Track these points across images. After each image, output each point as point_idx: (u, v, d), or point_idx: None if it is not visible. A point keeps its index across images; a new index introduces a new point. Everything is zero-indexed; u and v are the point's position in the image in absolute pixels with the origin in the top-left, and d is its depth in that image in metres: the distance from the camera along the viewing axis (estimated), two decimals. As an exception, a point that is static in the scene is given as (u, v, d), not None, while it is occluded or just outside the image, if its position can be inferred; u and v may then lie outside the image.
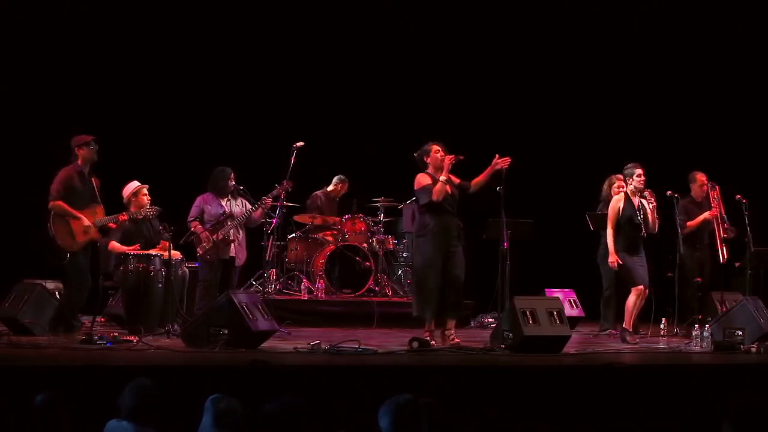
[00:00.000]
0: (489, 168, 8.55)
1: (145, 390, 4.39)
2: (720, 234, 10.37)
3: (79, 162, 8.64)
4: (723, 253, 10.36)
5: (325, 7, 12.87)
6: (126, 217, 8.88)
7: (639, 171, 9.40)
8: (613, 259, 9.34)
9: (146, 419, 4.35)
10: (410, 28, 13.04)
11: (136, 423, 4.33)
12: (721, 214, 10.40)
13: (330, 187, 12.08)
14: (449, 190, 8.55)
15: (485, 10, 13.18)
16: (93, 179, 8.73)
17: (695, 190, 10.51)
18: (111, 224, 8.86)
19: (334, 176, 12.12)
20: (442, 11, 13.12)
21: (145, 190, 9.15)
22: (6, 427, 4.43)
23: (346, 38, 12.86)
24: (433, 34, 13.11)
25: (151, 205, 9.16)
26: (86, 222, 8.54)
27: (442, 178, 8.45)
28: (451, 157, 8.50)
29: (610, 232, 9.41)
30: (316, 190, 12.03)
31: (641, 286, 9.30)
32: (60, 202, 8.50)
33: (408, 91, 13.01)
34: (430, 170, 8.63)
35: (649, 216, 9.33)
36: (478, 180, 8.63)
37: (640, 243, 9.36)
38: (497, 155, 8.52)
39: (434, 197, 8.40)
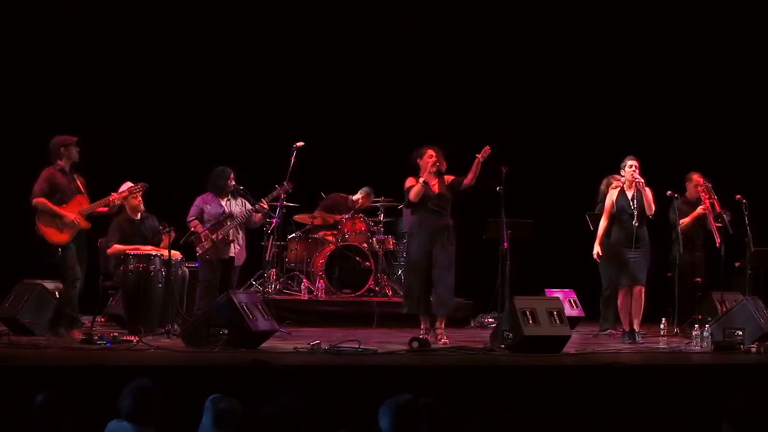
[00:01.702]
0: (473, 166, 8.81)
1: (144, 390, 4.39)
2: (713, 224, 10.30)
3: (61, 162, 8.62)
4: (717, 238, 10.26)
5: (325, 7, 12.87)
6: (114, 197, 8.82)
7: (630, 162, 9.43)
8: (596, 251, 9.47)
9: (146, 420, 4.34)
10: (410, 29, 13.03)
11: (137, 423, 4.32)
12: (713, 204, 10.35)
13: (356, 197, 12.05)
14: (438, 191, 8.91)
15: (485, 10, 13.17)
16: (76, 176, 8.71)
17: (690, 190, 10.54)
18: (101, 208, 8.78)
19: (362, 187, 12.07)
20: (441, 12, 13.11)
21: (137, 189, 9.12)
22: (6, 427, 4.43)
23: (346, 38, 12.85)
24: (433, 35, 13.10)
25: (146, 206, 9.17)
26: (71, 217, 8.50)
27: (421, 179, 8.85)
28: (433, 160, 8.88)
29: (602, 223, 9.46)
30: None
31: (624, 288, 9.35)
32: (42, 199, 8.47)
33: (408, 92, 13.00)
34: (421, 172, 8.98)
35: (644, 200, 9.31)
36: (469, 177, 8.87)
37: (635, 234, 9.34)
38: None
39: (410, 196, 8.90)
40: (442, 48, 13.17)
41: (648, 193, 9.32)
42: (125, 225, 9.12)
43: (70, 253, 8.52)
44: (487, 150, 8.72)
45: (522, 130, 13.11)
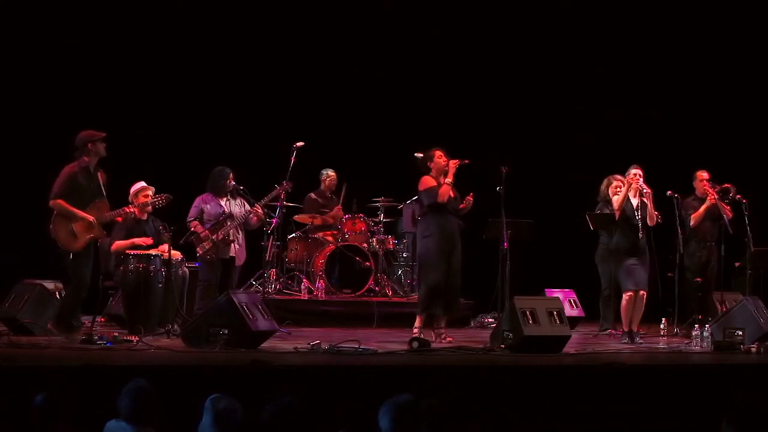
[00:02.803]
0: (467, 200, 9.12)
1: (142, 391, 4.39)
2: (724, 207, 10.29)
3: (87, 159, 8.56)
4: (728, 215, 10.27)
5: (326, 7, 12.86)
6: (132, 209, 8.86)
7: (634, 171, 9.42)
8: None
9: (145, 420, 4.34)
10: (411, 29, 13.03)
11: (136, 424, 4.32)
12: (720, 191, 10.37)
13: (321, 186, 12.06)
14: (452, 194, 9.04)
15: (485, 10, 13.17)
16: (99, 174, 8.67)
17: (698, 187, 10.58)
18: (118, 218, 8.81)
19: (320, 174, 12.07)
20: (442, 12, 13.11)
21: (149, 192, 9.12)
22: (6, 427, 4.43)
23: (346, 38, 12.85)
24: (434, 35, 13.10)
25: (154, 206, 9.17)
26: (90, 217, 8.47)
27: (448, 180, 8.97)
28: (456, 161, 8.99)
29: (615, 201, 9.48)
30: (310, 191, 12.00)
31: (631, 292, 9.34)
32: (60, 201, 8.44)
33: (408, 92, 13.00)
34: (432, 174, 9.10)
35: (647, 211, 9.32)
36: (463, 207, 9.15)
37: (639, 243, 9.35)
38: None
39: (440, 199, 8.93)
40: (442, 48, 13.17)
41: (651, 204, 9.33)
42: (131, 224, 9.11)
43: (80, 261, 8.49)
44: (469, 200, 9.08)
45: (522, 130, 13.11)
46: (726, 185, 10.40)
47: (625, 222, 9.40)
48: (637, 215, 9.35)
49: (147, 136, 11.91)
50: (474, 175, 9.14)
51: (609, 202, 9.83)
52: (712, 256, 10.53)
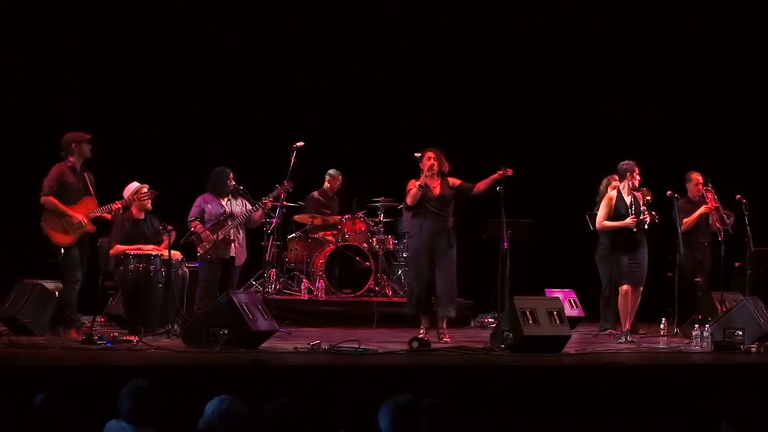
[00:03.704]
0: (491, 177, 8.93)
1: (141, 391, 4.39)
2: (719, 225, 10.29)
3: (72, 159, 8.61)
4: (720, 231, 10.25)
5: (326, 7, 12.86)
6: (119, 205, 8.84)
7: (637, 169, 9.43)
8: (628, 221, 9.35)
9: (145, 420, 4.34)
10: (411, 29, 13.03)
11: (136, 424, 4.32)
12: (717, 207, 10.35)
13: (325, 186, 12.07)
14: (438, 192, 9.06)
15: (484, 10, 13.17)
16: (86, 174, 8.71)
17: (691, 190, 10.53)
18: (105, 215, 8.78)
19: (326, 174, 12.09)
20: (442, 12, 13.11)
21: (145, 190, 9.14)
22: (6, 427, 4.43)
23: (347, 38, 12.85)
24: (434, 36, 13.11)
25: (152, 204, 9.15)
26: (79, 217, 8.51)
27: (418, 183, 9.01)
28: (430, 164, 9.02)
29: (606, 224, 9.42)
30: (313, 191, 12.01)
31: (625, 286, 9.39)
32: (51, 198, 8.47)
33: (409, 92, 13.00)
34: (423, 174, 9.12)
35: (644, 214, 9.32)
36: (481, 186, 9.04)
37: (635, 240, 9.35)
38: (501, 165, 8.88)
39: (407, 200, 9.12)
40: (444, 48, 13.17)
41: (647, 209, 9.35)
42: (129, 224, 9.12)
43: (72, 255, 8.52)
44: (509, 172, 8.87)
45: (522, 129, 13.11)
46: (723, 212, 10.34)
47: (617, 218, 9.41)
48: (631, 212, 9.38)
49: (147, 136, 11.91)
50: (474, 175, 9.13)
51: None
52: (704, 257, 10.52)
